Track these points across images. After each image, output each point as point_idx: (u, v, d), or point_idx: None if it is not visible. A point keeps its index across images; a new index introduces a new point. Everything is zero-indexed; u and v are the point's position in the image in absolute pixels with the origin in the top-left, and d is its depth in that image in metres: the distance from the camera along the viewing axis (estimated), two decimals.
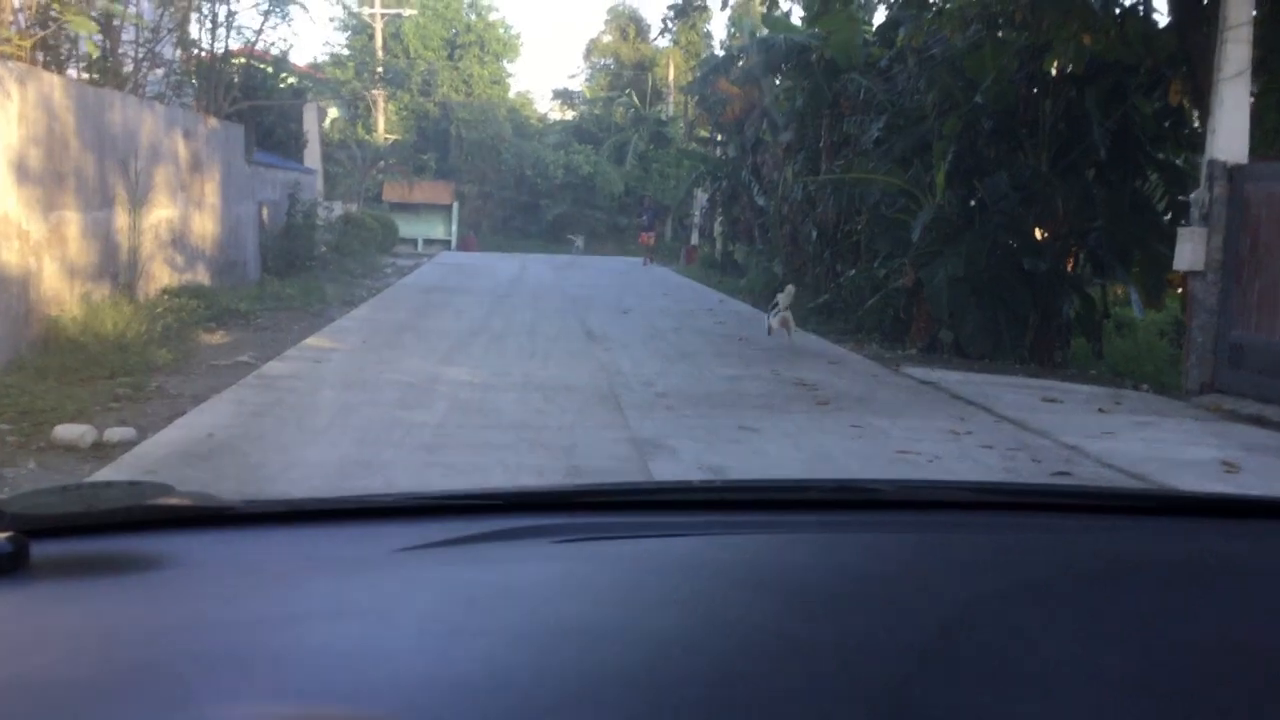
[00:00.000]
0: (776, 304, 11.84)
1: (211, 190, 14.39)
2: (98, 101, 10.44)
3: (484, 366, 8.94)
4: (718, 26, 61.76)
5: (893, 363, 10.59)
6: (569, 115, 41.10)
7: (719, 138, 24.72)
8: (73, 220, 9.77)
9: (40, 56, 10.98)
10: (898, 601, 1.13)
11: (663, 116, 37.82)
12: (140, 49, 13.39)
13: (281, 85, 20.38)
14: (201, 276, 13.93)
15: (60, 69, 11.76)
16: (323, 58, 38.74)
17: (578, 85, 43.48)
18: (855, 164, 14.31)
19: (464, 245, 33.80)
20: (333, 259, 18.57)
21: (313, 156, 21.63)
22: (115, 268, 10.87)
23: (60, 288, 9.51)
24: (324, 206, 22.12)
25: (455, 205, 36.26)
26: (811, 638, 1.02)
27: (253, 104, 17.17)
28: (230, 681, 0.92)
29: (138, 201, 11.26)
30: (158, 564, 1.25)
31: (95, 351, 8.85)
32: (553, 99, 45.89)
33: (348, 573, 1.25)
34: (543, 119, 42.41)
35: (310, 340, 10.28)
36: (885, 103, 13.85)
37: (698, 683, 0.91)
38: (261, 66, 19.37)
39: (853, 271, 13.37)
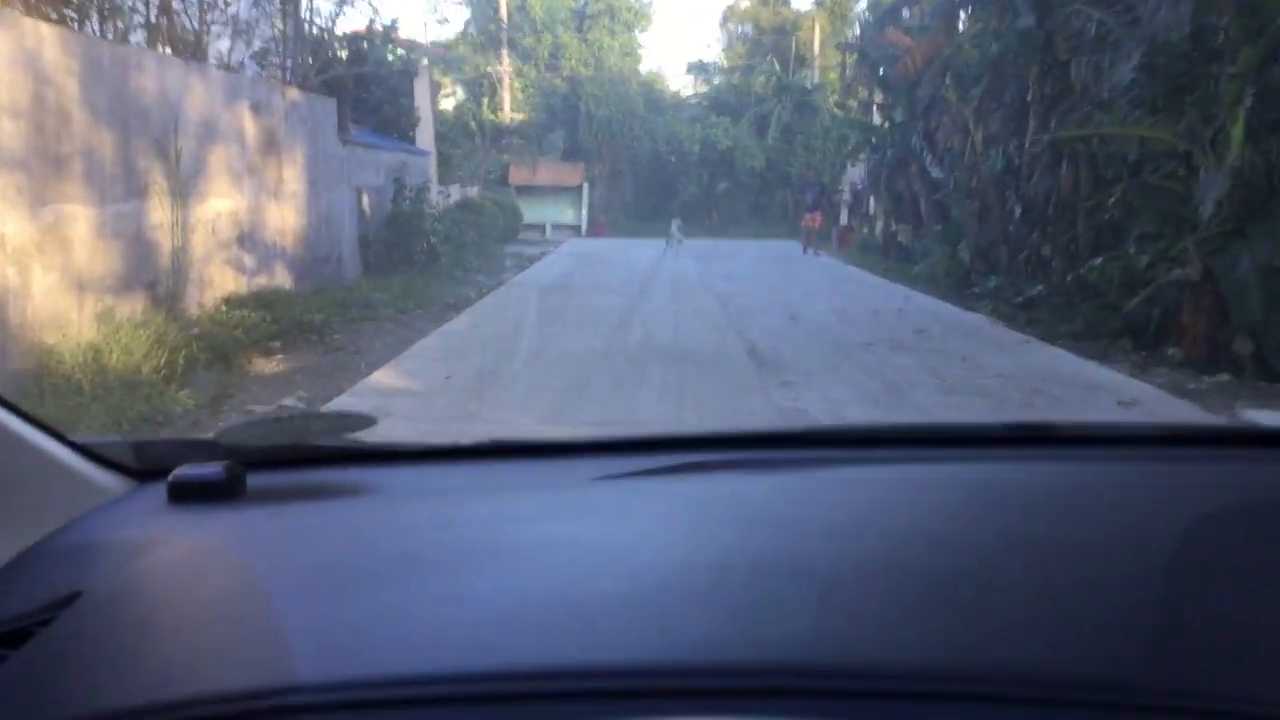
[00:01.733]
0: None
1: (293, 175, 12.14)
2: (117, 62, 8.16)
3: (610, 420, 6.23)
4: None
5: (1210, 398, 7.36)
6: (704, 89, 38.16)
7: (880, 101, 21.47)
8: (80, 217, 7.50)
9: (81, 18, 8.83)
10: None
11: (808, 85, 34.57)
12: (205, 6, 11.19)
13: (390, 57, 18.17)
14: (281, 279, 11.70)
15: (115, 32, 9.60)
16: (444, 34, 36.88)
17: (713, 56, 40.55)
18: (1091, 118, 11.09)
19: (594, 230, 31.30)
20: (446, 250, 16.25)
21: (425, 136, 19.39)
22: (152, 275, 8.63)
23: (62, 305, 7.26)
24: (440, 191, 19.89)
25: (585, 187, 33.83)
26: (1041, 541, 1.09)
27: (343, 74, 14.94)
28: (447, 573, 1.03)
29: (181, 190, 8.99)
30: (367, 491, 1.38)
31: (93, 393, 6.57)
32: (687, 73, 42.99)
33: (550, 491, 1.40)
34: (676, 95, 39.56)
35: (379, 376, 7.78)
36: (1129, 37, 10.57)
37: (924, 573, 0.98)
38: (367, 36, 17.17)
39: (1098, 260, 10.16)
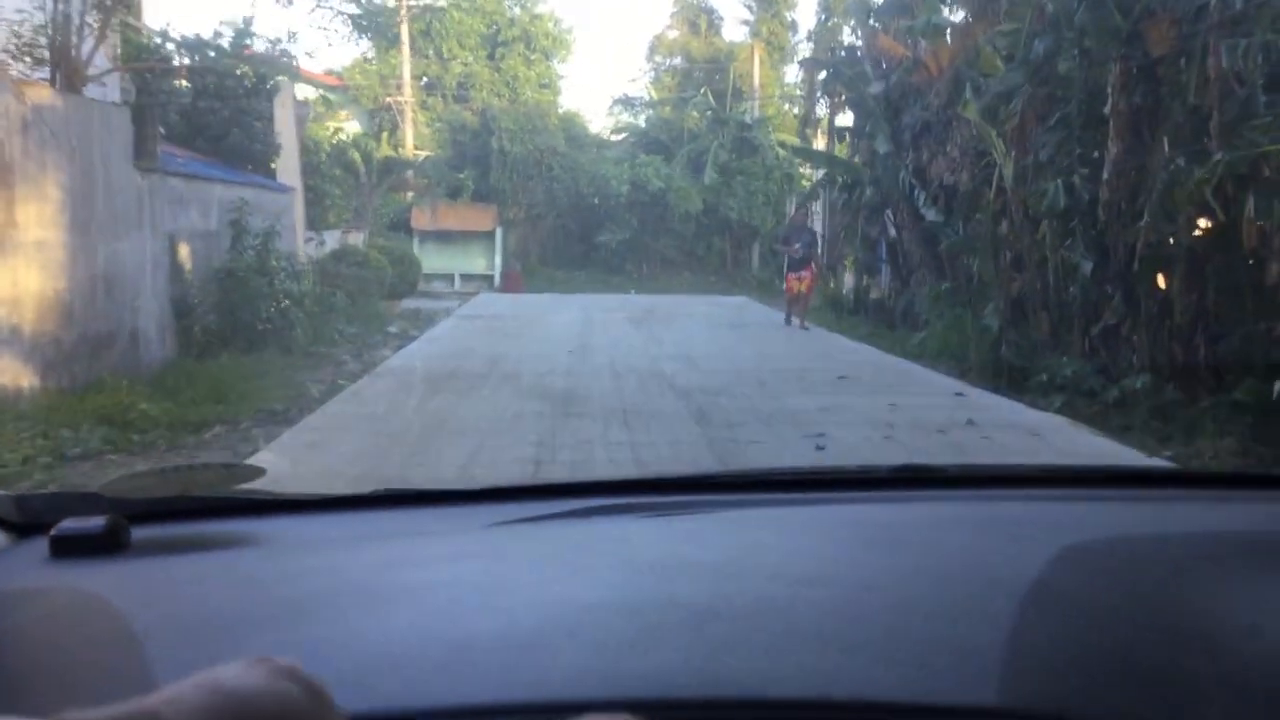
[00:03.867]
0: None
1: (35, 215, 7.97)
2: None
3: None
4: (804, 13, 54.41)
5: None
6: (631, 124, 34.49)
7: (851, 128, 17.91)
8: None
9: None
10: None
11: (748, 119, 31.15)
12: None
13: (238, 69, 14.07)
14: (12, 376, 7.51)
15: None
16: (338, 61, 32.89)
17: (639, 90, 36.97)
18: (1229, 134, 7.52)
19: (508, 284, 27.08)
20: (305, 316, 12.13)
21: (289, 170, 15.23)
22: None
23: None
24: (309, 238, 15.70)
25: (499, 232, 29.85)
26: (905, 576, 1.19)
27: (156, 80, 10.84)
28: (331, 619, 1.04)
29: None
30: (254, 542, 1.37)
31: None
32: (611, 107, 39.32)
33: (439, 538, 1.41)
34: (600, 134, 35.83)
35: None
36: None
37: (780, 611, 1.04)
38: (202, 44, 13.10)
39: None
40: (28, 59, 9.24)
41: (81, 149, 8.65)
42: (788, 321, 16.73)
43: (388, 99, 30.98)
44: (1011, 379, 10.17)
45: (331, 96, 31.94)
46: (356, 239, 18.34)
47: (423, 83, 32.35)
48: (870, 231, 17.44)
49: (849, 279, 18.85)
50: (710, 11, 36.52)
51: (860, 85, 15.99)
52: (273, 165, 14.82)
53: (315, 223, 16.35)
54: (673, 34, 36.93)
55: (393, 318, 16.67)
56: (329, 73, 33.56)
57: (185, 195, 11.19)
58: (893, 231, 16.67)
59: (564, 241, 31.14)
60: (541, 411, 8.39)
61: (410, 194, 29.94)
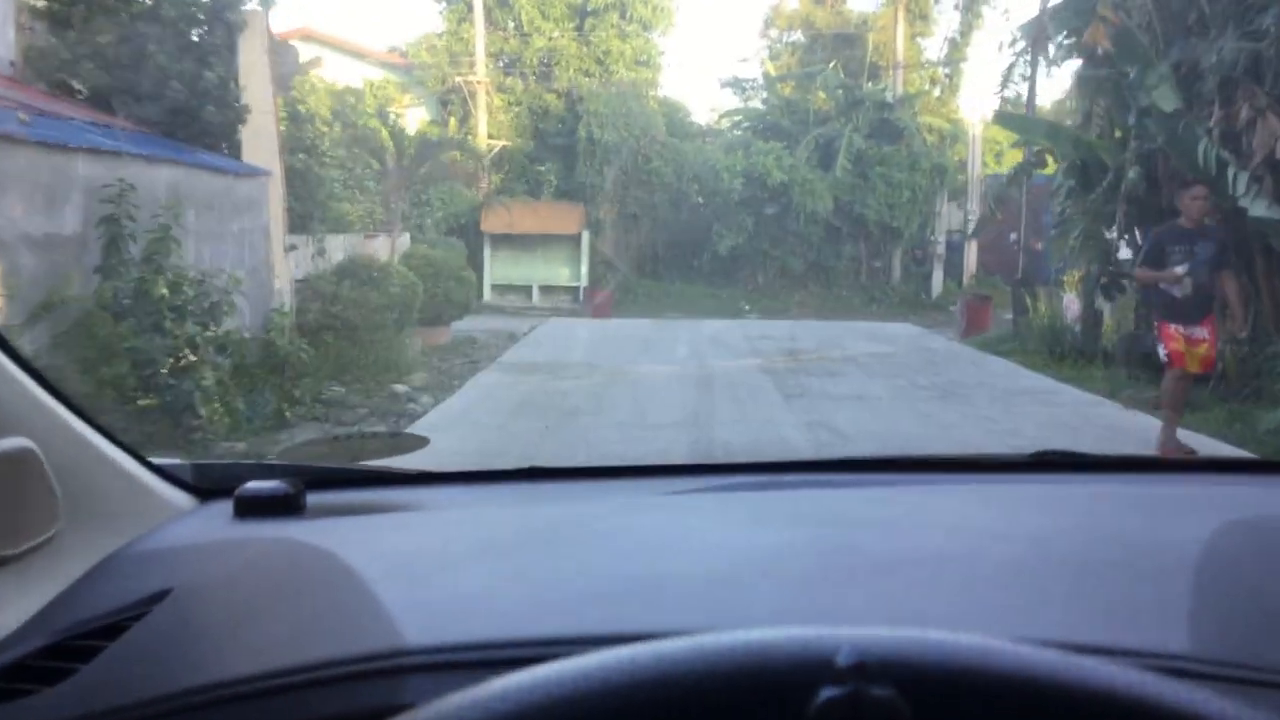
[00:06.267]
0: None
1: None
2: None
3: None
4: None
5: None
6: (746, 109, 29.00)
7: (1082, 90, 12.25)
8: None
9: None
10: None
11: (888, 97, 25.54)
12: None
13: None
14: None
15: None
16: (403, 38, 28.36)
17: (753, 71, 31.49)
18: None
19: (593, 306, 21.67)
20: (229, 382, 7.18)
21: (262, 144, 10.26)
22: None
23: None
24: (291, 246, 10.72)
25: (586, 235, 24.88)
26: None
27: None
28: (518, 563, 1.12)
29: None
30: (428, 507, 1.45)
31: None
32: (720, 90, 33.74)
33: (614, 500, 1.49)
34: (709, 123, 30.45)
35: None
36: None
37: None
38: None
39: None
40: None
41: None
42: (1166, 424, 7.57)
43: (458, 78, 26.21)
44: None
45: (394, 77, 27.67)
46: (383, 246, 13.36)
47: (500, 61, 27.51)
48: (1110, 233, 11.83)
49: (1069, 302, 13.16)
50: None
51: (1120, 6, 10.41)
52: (236, 136, 9.94)
53: (307, 222, 11.38)
54: (792, 3, 31.48)
55: (423, 359, 11.68)
56: (392, 50, 29.03)
57: (41, 176, 6.33)
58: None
59: (663, 248, 25.96)
60: None
61: (482, 191, 25.26)
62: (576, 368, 11.79)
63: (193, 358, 6.84)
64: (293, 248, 10.52)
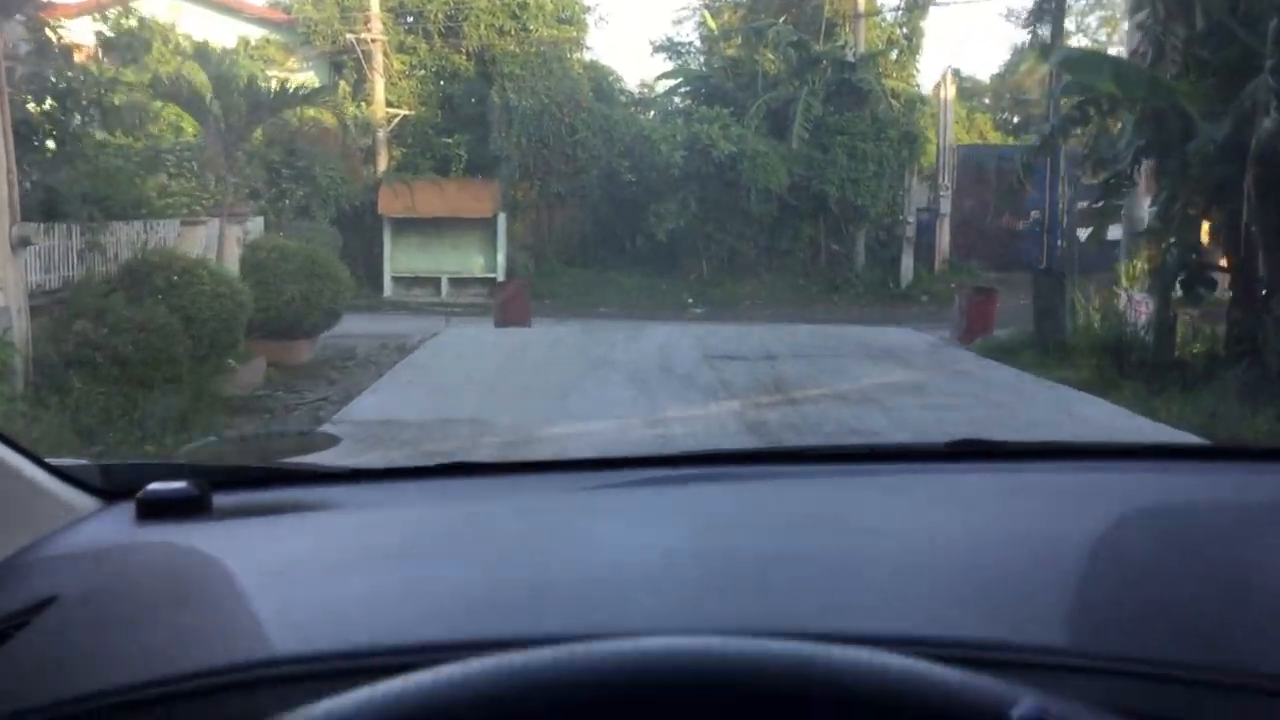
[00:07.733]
0: None
1: None
2: None
3: None
4: None
5: None
6: (685, 66, 25.46)
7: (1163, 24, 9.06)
8: None
9: None
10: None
11: (849, 56, 22.28)
12: None
13: None
14: None
15: None
16: None
17: (689, 33, 27.95)
18: None
19: (505, 309, 17.09)
20: None
21: None
22: None
23: None
24: (22, 239, 7.02)
25: (501, 219, 21.35)
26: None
27: None
28: (413, 568, 1.12)
29: None
30: (333, 506, 1.41)
31: None
32: (654, 54, 30.10)
33: (516, 500, 1.46)
34: (640, 88, 26.84)
35: None
36: None
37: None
38: None
39: None
40: None
41: None
42: None
43: (351, 36, 22.42)
44: None
45: (277, 36, 23.78)
46: (210, 236, 9.65)
47: (400, 17, 23.70)
48: (1193, 212, 8.71)
49: (1137, 302, 9.97)
50: None
51: None
52: None
53: (63, 204, 7.65)
54: None
55: (245, 399, 8.14)
56: (274, 4, 24.99)
57: None
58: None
59: (592, 232, 22.46)
60: None
61: (380, 168, 21.62)
62: (460, 428, 7.99)
63: None
64: (26, 242, 6.86)
